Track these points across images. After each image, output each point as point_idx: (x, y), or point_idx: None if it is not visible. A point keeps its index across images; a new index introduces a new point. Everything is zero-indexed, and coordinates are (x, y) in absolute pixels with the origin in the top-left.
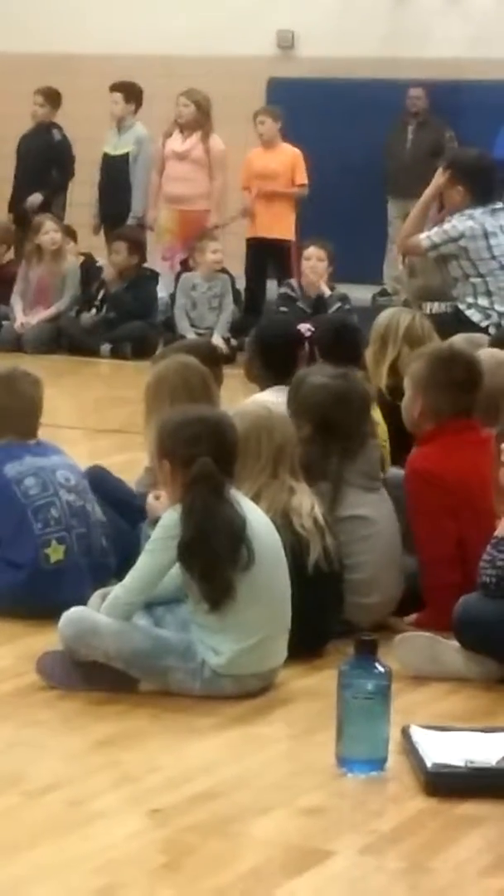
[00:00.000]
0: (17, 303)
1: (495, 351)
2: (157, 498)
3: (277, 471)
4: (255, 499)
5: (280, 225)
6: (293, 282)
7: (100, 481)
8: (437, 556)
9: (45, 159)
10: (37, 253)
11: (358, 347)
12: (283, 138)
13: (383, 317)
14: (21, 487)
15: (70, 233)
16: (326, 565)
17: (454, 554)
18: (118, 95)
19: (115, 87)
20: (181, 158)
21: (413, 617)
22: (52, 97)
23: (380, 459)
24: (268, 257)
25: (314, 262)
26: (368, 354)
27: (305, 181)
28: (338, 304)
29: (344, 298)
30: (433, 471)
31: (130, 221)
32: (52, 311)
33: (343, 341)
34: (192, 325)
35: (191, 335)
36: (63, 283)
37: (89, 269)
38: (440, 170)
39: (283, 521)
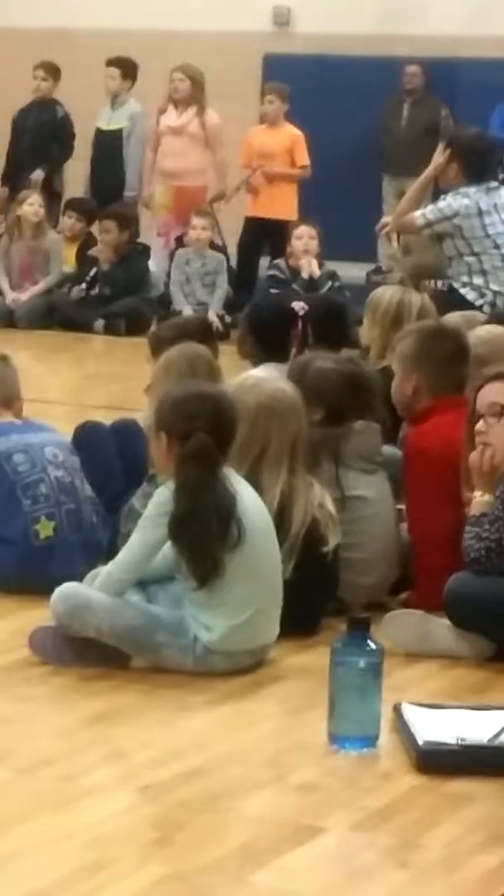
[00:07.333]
0: (1, 279)
1: (491, 327)
2: None
3: (295, 464)
4: (287, 498)
5: (281, 205)
6: (281, 263)
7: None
8: (430, 537)
9: (47, 135)
10: (17, 226)
11: (348, 326)
12: (287, 118)
13: (390, 296)
14: (10, 464)
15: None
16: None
17: (448, 536)
18: (115, 71)
19: (111, 62)
20: (176, 133)
21: (404, 596)
22: (54, 72)
23: (380, 443)
24: (265, 237)
25: (306, 241)
26: (372, 333)
27: (306, 163)
28: (328, 284)
29: (333, 276)
30: (433, 450)
31: (126, 198)
32: (41, 286)
33: (332, 321)
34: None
35: (187, 309)
36: (46, 261)
37: (89, 247)
38: (440, 147)
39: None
